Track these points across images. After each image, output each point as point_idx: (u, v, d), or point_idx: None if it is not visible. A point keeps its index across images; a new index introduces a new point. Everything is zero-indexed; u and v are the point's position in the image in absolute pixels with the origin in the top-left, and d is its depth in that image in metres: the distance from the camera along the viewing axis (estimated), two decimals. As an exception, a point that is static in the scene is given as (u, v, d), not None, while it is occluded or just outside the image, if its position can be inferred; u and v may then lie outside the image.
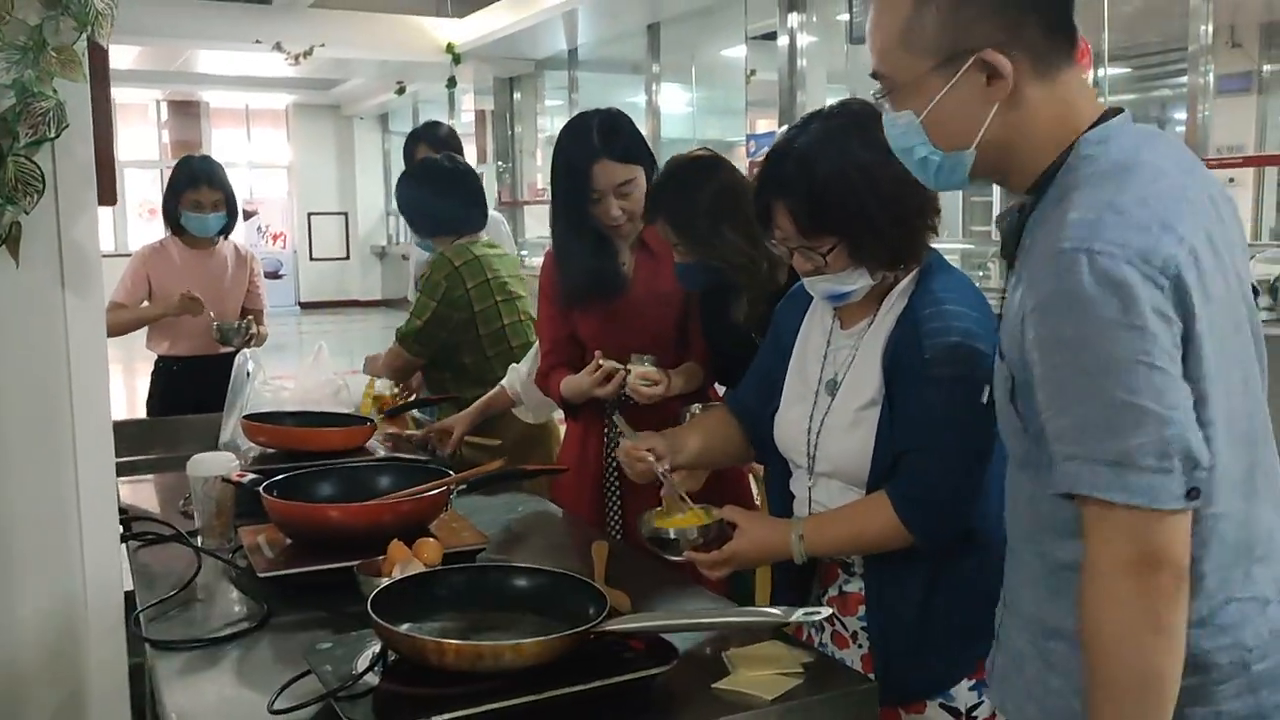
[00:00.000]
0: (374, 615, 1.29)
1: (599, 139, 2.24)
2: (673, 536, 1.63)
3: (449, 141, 3.83)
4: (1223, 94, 9.60)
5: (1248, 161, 8.70)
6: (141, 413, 3.86)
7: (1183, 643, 1.06)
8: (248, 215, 16.57)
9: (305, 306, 17.06)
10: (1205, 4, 6.18)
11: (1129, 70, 11.48)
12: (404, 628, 1.31)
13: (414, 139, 3.88)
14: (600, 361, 2.23)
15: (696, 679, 1.38)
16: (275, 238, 17.09)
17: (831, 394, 1.67)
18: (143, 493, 2.57)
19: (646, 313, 2.33)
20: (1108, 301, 1.02)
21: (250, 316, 3.78)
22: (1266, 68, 9.43)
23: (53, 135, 1.47)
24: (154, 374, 3.77)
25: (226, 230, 3.77)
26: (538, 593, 1.45)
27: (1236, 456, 1.12)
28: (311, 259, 17.38)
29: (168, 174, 3.95)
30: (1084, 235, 1.05)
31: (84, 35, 1.48)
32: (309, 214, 17.32)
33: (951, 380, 1.52)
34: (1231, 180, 8.91)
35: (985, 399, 1.50)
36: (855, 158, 1.53)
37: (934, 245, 1.66)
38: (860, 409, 1.62)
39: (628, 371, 2.21)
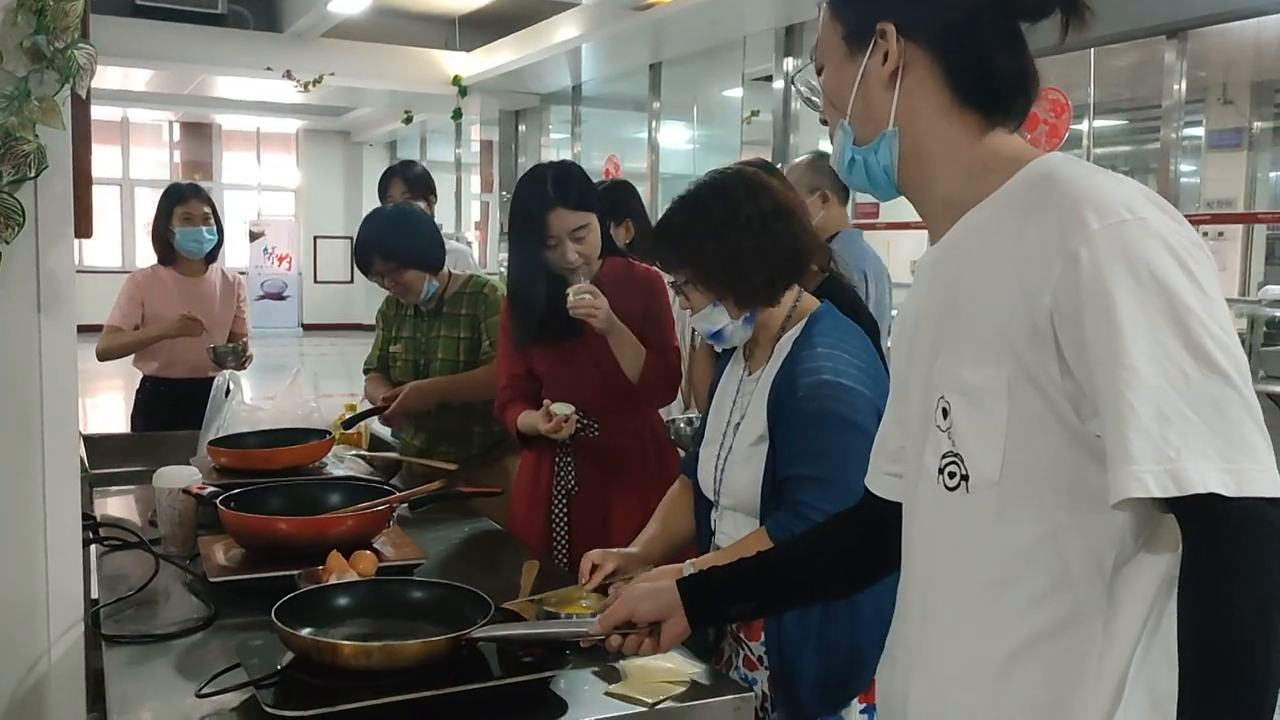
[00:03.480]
0: (276, 620, 1.45)
1: (553, 189, 2.40)
2: (560, 619, 1.72)
3: (423, 179, 4.01)
4: (1215, 149, 9.79)
5: (1237, 218, 8.90)
6: (126, 427, 4.01)
7: None
8: (254, 236, 16.82)
9: (308, 328, 17.26)
10: (1179, 62, 6.35)
11: (1124, 122, 11.70)
12: (305, 632, 1.46)
13: (389, 175, 4.07)
14: (551, 410, 2.38)
15: (594, 684, 1.54)
16: (281, 259, 17.31)
17: (735, 433, 1.83)
18: (123, 502, 2.72)
19: (599, 351, 2.48)
20: None
21: (243, 339, 3.94)
22: (1256, 124, 9.60)
23: (33, 175, 1.63)
24: (139, 391, 3.92)
25: (215, 252, 3.93)
26: (435, 603, 1.61)
27: None
28: (316, 281, 17.59)
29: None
30: None
31: (66, 87, 1.65)
32: (315, 237, 17.55)
33: (821, 412, 1.69)
34: (1221, 234, 9.09)
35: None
36: (708, 209, 1.80)
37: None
38: (751, 445, 1.78)
39: (584, 420, 2.39)
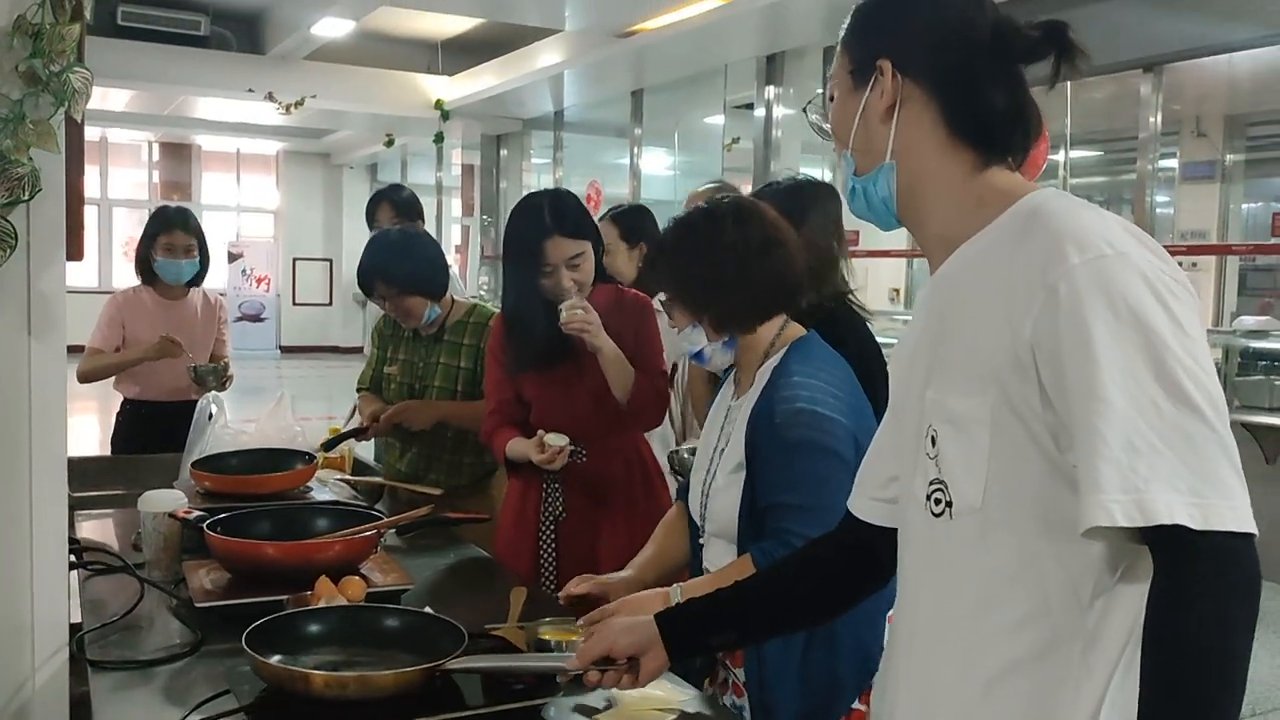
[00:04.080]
0: (246, 647, 1.44)
1: (550, 217, 2.41)
2: (552, 646, 1.71)
3: (411, 203, 4.01)
4: (1188, 180, 9.93)
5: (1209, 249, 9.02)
6: (107, 450, 3.98)
7: None
8: (233, 258, 16.75)
9: (286, 350, 17.18)
10: (1154, 95, 6.45)
11: (1101, 153, 11.86)
12: (275, 659, 1.47)
13: (377, 199, 4.08)
14: (546, 440, 2.38)
15: (586, 710, 1.54)
16: (259, 281, 17.24)
17: (719, 459, 1.84)
18: (102, 526, 2.70)
19: (589, 378, 2.49)
20: None
21: (224, 360, 3.92)
22: (1229, 157, 9.74)
23: (27, 198, 1.63)
24: (120, 415, 3.89)
25: (198, 279, 3.92)
26: (409, 632, 1.61)
27: None
28: (294, 303, 17.53)
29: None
30: None
31: (61, 110, 1.65)
32: (294, 259, 17.50)
33: (801, 441, 1.71)
34: (1195, 265, 9.20)
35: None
36: (695, 231, 1.85)
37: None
38: (731, 472, 1.80)
39: (573, 447, 2.39)
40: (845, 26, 1.25)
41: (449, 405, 2.93)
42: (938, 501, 1.12)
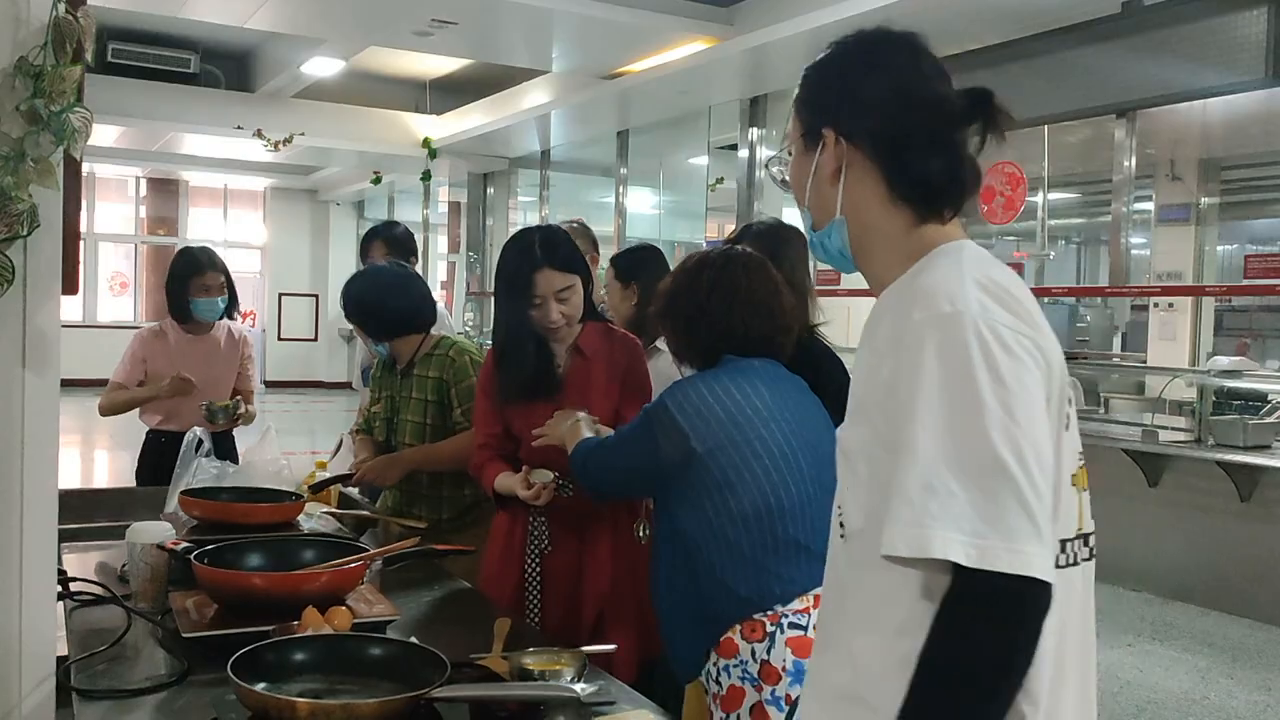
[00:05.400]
0: (232, 675, 1.48)
1: (541, 250, 2.48)
2: (535, 676, 1.74)
3: (404, 241, 4.06)
4: (1164, 223, 10.09)
5: (1182, 290, 9.13)
6: (123, 481, 4.08)
7: None
8: (218, 293, 16.77)
9: (270, 385, 17.15)
10: (1128, 139, 6.58)
11: (1077, 196, 12.02)
12: (259, 686, 1.50)
13: (371, 235, 4.12)
14: (531, 477, 2.42)
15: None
16: (245, 316, 17.23)
17: None
18: (88, 558, 2.71)
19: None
20: None
21: (240, 396, 3.98)
22: (1204, 200, 9.90)
23: (25, 234, 1.67)
24: (144, 445, 3.99)
25: (229, 312, 4.02)
26: (392, 661, 1.65)
27: None
28: (280, 338, 17.53)
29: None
30: None
31: (61, 149, 1.69)
32: (280, 294, 17.52)
33: (642, 414, 2.13)
34: (1171, 305, 9.33)
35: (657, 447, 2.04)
36: (685, 268, 2.21)
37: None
38: None
39: (560, 481, 2.42)
40: (796, 92, 1.34)
41: (415, 455, 2.97)
42: (841, 524, 1.24)
